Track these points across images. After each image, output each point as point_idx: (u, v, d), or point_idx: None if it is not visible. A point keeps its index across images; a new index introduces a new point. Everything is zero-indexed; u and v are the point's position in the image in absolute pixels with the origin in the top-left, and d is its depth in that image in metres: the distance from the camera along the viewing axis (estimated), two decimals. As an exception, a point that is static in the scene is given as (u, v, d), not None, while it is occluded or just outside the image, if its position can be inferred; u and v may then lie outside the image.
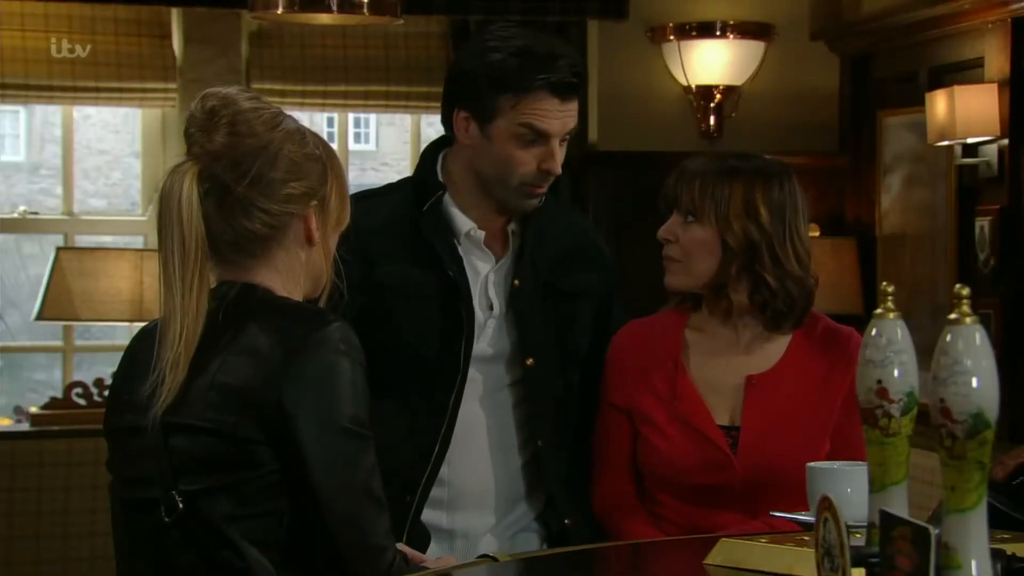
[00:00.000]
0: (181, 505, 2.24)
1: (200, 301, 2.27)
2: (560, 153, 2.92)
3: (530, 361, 2.96)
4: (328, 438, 2.22)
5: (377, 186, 3.15)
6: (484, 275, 2.98)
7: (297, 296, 2.36)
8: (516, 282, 2.97)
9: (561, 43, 2.98)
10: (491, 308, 2.97)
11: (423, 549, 2.81)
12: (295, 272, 2.35)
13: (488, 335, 2.96)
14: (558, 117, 2.89)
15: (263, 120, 2.32)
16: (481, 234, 2.97)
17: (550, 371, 2.99)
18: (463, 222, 2.97)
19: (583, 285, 3.06)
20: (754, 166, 2.96)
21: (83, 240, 6.49)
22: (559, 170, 2.92)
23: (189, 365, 2.26)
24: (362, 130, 16.34)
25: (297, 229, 2.34)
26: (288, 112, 2.40)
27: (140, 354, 2.33)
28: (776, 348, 2.97)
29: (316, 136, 2.39)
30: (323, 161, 2.36)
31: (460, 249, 2.96)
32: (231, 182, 2.29)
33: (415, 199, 2.98)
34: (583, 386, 3.04)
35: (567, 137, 2.93)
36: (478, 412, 2.96)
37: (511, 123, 2.88)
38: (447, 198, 2.97)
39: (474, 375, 2.95)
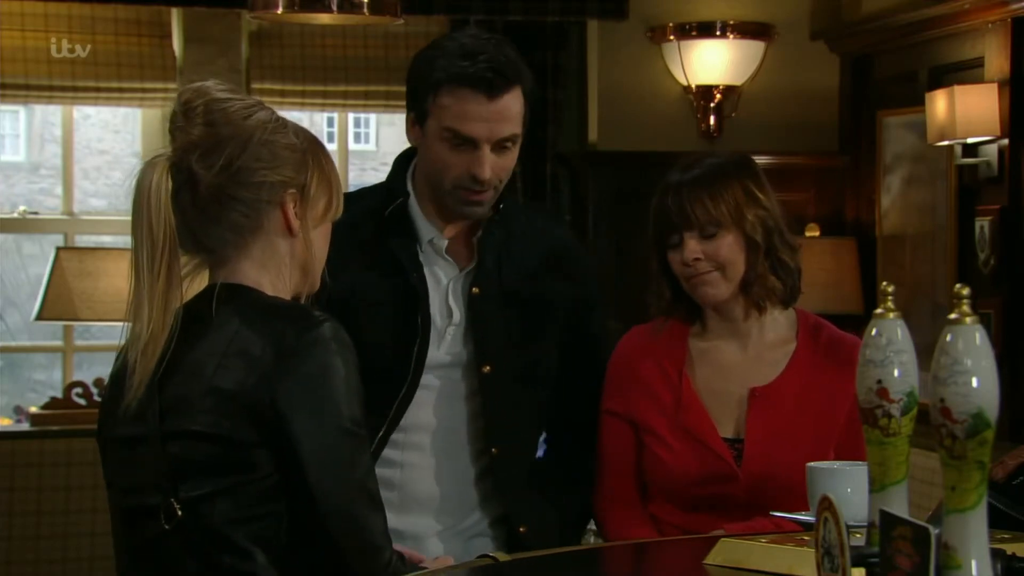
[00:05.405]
0: (180, 512, 2.23)
1: (168, 294, 2.26)
2: (503, 159, 2.86)
3: (487, 368, 2.92)
4: (325, 438, 2.22)
5: (351, 190, 3.10)
6: (446, 283, 2.95)
7: (287, 290, 2.35)
8: (475, 290, 2.93)
9: (498, 45, 2.88)
10: (451, 316, 2.94)
11: None
12: (279, 264, 2.34)
13: (447, 343, 2.93)
14: (484, 120, 2.83)
15: (235, 110, 2.32)
16: (444, 242, 2.95)
17: (508, 380, 2.94)
18: (427, 230, 2.94)
19: (550, 294, 3.00)
20: (728, 160, 2.97)
21: (83, 240, 6.49)
22: (486, 175, 2.84)
23: (188, 371, 2.25)
24: (362, 130, 16.32)
25: (275, 219, 2.32)
26: (288, 112, 2.40)
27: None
28: (780, 359, 2.96)
29: (300, 128, 2.38)
30: (303, 151, 2.34)
31: (421, 256, 2.93)
32: (202, 172, 2.28)
33: (383, 204, 2.96)
34: (554, 397, 3.01)
35: (509, 144, 2.87)
36: (431, 419, 2.94)
37: (439, 124, 2.86)
38: (413, 205, 2.95)
39: (431, 382, 2.92)
